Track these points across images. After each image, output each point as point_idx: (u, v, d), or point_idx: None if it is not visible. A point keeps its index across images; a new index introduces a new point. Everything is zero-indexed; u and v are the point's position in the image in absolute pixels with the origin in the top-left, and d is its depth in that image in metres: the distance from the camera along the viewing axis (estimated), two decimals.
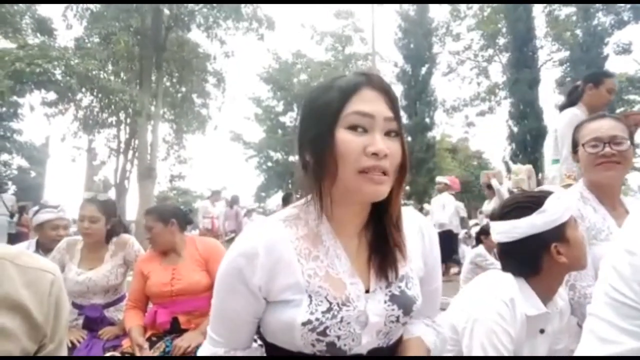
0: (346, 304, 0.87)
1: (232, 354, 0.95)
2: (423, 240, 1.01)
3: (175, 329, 2.26)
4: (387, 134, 0.86)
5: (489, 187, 7.83)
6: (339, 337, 0.86)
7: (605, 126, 1.62)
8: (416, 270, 0.98)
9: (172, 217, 2.39)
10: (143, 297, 2.38)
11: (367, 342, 0.89)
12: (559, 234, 1.33)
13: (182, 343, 2.14)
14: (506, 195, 7.99)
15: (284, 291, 0.88)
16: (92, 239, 2.55)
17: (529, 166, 8.49)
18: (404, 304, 0.92)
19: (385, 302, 0.91)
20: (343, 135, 0.84)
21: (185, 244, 2.42)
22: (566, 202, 1.35)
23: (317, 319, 0.85)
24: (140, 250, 2.65)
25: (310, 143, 0.89)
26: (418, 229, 1.01)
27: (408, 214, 1.00)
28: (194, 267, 2.33)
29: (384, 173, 0.84)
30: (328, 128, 0.85)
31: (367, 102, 0.85)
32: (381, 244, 0.93)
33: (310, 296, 0.86)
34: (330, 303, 0.86)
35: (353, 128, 0.84)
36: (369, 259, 0.94)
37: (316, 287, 0.87)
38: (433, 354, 1.02)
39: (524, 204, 1.38)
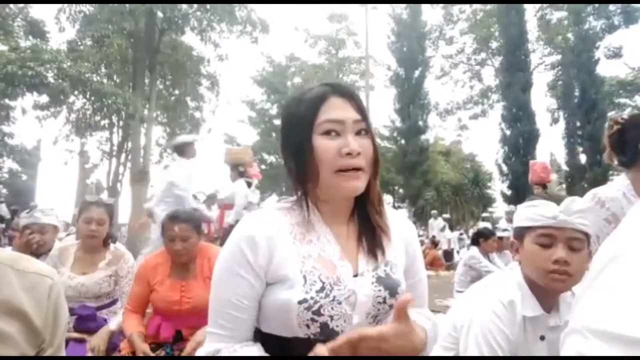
0: (337, 283, 0.94)
1: (231, 349, 0.94)
2: (403, 232, 1.10)
3: (178, 340, 2.20)
4: (358, 133, 0.96)
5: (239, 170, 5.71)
6: (331, 318, 0.92)
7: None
8: (399, 259, 1.06)
9: (201, 224, 2.23)
10: (144, 303, 2.30)
11: (357, 324, 0.94)
12: (517, 234, 1.44)
13: (191, 344, 2.09)
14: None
15: (282, 269, 0.94)
16: (96, 242, 2.50)
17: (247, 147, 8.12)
18: (390, 286, 0.99)
19: (372, 283, 0.98)
20: (319, 142, 0.94)
21: (199, 253, 2.30)
22: (532, 212, 1.37)
23: (311, 298, 0.91)
24: (134, 267, 2.56)
25: (292, 152, 0.99)
26: (398, 224, 1.10)
27: (389, 212, 1.09)
28: (204, 285, 2.16)
29: (360, 169, 0.94)
30: (305, 137, 0.95)
31: (336, 109, 0.96)
32: (368, 229, 1.03)
33: (304, 276, 0.93)
34: (323, 283, 0.93)
35: (327, 133, 0.95)
36: (357, 245, 1.02)
37: (310, 268, 0.94)
38: (428, 336, 1.04)
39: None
